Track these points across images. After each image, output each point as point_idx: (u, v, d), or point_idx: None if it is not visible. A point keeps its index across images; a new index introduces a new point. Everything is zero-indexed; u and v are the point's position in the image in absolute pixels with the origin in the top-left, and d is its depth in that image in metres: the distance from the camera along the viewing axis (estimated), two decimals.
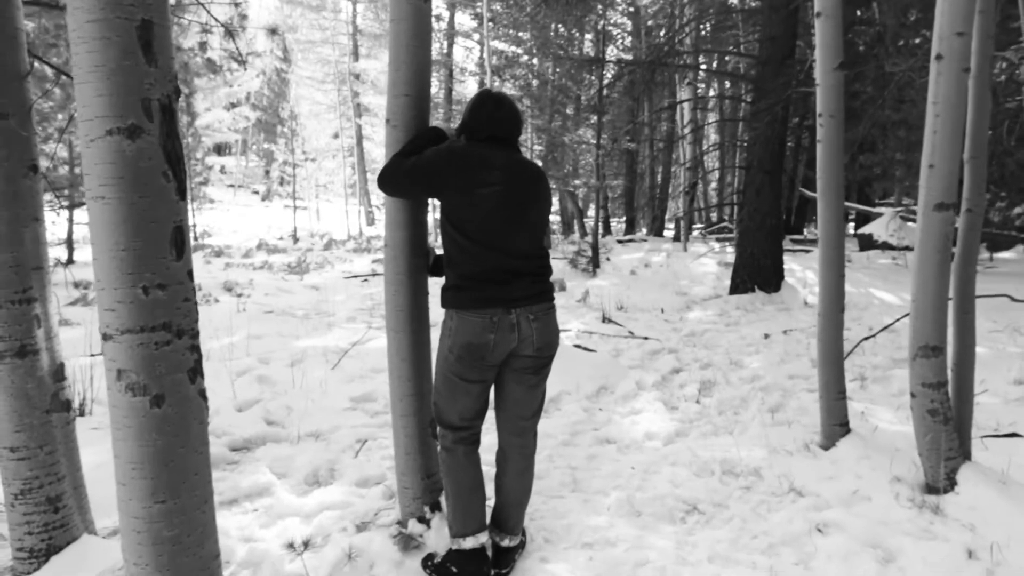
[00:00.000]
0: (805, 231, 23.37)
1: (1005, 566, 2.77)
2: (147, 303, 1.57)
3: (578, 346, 6.25)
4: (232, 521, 3.10)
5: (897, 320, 5.71)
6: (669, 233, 24.44)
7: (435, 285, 2.74)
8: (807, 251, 16.87)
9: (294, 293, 10.81)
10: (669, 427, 4.63)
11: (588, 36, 22.64)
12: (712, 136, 27.70)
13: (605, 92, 13.66)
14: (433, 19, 26.70)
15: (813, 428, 4.45)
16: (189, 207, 18.50)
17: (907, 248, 16.23)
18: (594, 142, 15.32)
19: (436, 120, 24.69)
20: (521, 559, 2.84)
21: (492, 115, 2.63)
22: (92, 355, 5.75)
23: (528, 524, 3.11)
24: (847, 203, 17.82)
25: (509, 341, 2.53)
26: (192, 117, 18.59)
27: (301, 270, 13.36)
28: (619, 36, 23.78)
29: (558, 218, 25.74)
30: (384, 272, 2.86)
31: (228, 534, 2.91)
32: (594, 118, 15.01)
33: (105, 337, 1.59)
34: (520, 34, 21.48)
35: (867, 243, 18.05)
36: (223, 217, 29.44)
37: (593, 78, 16.12)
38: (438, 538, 2.79)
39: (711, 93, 23.45)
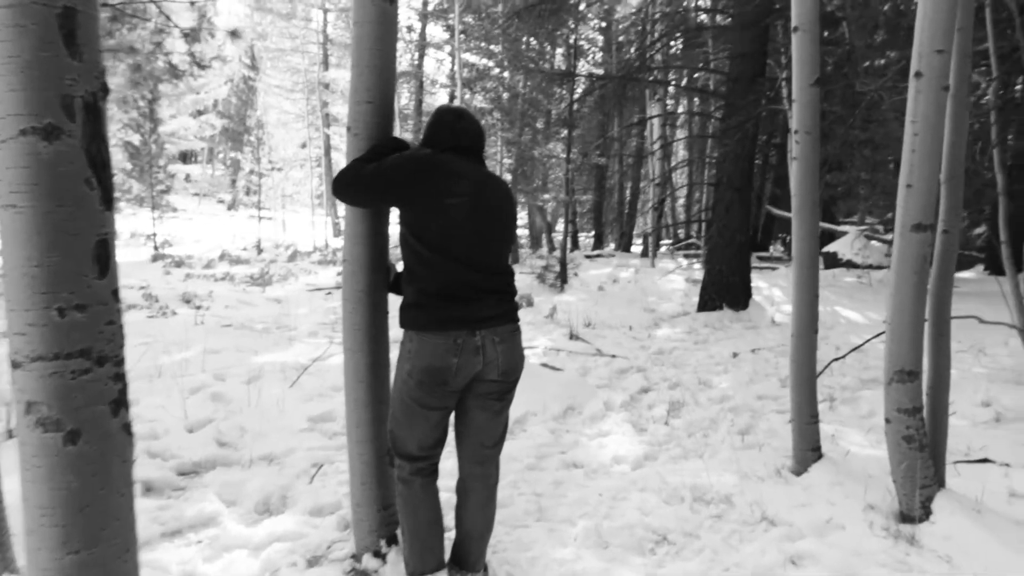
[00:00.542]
0: (771, 248, 23.55)
1: None
2: (63, 326, 1.39)
3: (545, 365, 6.11)
4: (174, 555, 2.89)
5: (867, 341, 5.65)
6: (637, 249, 24.48)
7: (395, 303, 2.58)
8: (773, 268, 16.97)
9: (255, 306, 10.53)
10: (638, 450, 4.50)
11: (559, 50, 22.67)
12: (680, 152, 27.91)
13: (576, 106, 13.60)
14: (405, 30, 26.64)
15: (784, 452, 4.35)
16: (150, 216, 18.08)
17: (871, 267, 16.41)
18: (564, 156, 15.25)
19: (406, 133, 24.58)
20: None
21: (454, 126, 2.50)
22: None
23: (490, 557, 2.94)
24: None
25: (473, 365, 2.38)
26: (155, 123, 18.20)
27: (264, 282, 13.06)
28: (590, 51, 23.85)
29: (526, 232, 25.66)
30: (342, 289, 2.69)
31: (168, 570, 2.71)
32: (564, 132, 14.95)
33: (14, 365, 1.41)
34: (491, 47, 21.43)
35: (832, 261, 18.21)
36: (186, 226, 28.90)
37: (564, 92, 16.07)
38: (394, 575, 2.62)
39: (680, 109, 23.59)
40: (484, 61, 22.37)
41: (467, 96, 19.10)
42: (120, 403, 1.48)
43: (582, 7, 15.11)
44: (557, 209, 22.54)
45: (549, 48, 21.27)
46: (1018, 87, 10.80)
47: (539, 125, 21.26)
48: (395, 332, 2.67)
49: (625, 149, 25.04)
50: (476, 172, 2.44)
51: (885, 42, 12.10)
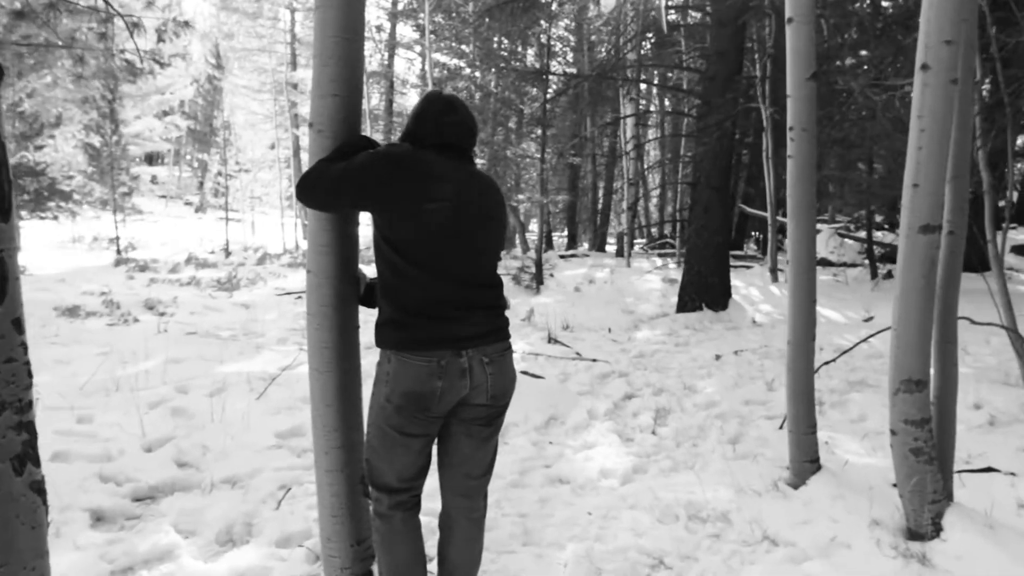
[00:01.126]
0: (745, 247, 23.55)
1: None
2: None
3: (526, 372, 5.88)
4: None
5: (856, 345, 5.49)
6: (611, 248, 24.34)
7: (368, 317, 2.32)
8: (748, 267, 16.89)
9: (222, 311, 10.17)
10: (626, 463, 4.28)
11: (531, 50, 22.46)
12: (652, 152, 27.83)
13: (549, 106, 13.38)
14: (374, 30, 26.26)
15: (778, 462, 4.16)
16: (112, 219, 17.55)
17: (846, 264, 16.42)
18: (538, 156, 15.04)
19: (376, 134, 24.19)
20: None
21: (441, 120, 2.23)
22: None
23: None
24: (781, 219, 17.97)
25: (459, 389, 2.13)
26: (116, 124, 17.66)
27: (231, 286, 12.68)
28: (563, 51, 23.67)
29: None
30: (307, 303, 2.43)
31: None
32: (538, 131, 14.72)
33: None
34: (463, 47, 21.15)
35: None
36: (152, 229, 28.24)
37: (537, 91, 15.85)
38: None
39: (652, 108, 23.50)
40: (455, 61, 22.09)
41: None
42: (26, 458, 1.22)
43: (554, 7, 14.89)
44: (531, 209, 22.33)
45: (521, 48, 21.05)
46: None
47: (512, 125, 21.03)
48: (369, 348, 2.42)
49: (598, 149, 24.91)
50: (461, 172, 2.19)
51: (857, 41, 12.04)
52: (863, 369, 6.70)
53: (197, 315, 9.69)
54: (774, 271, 14.04)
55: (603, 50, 20.85)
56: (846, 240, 18.19)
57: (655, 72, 18.25)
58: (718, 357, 7.44)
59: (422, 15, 20.19)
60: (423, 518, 2.45)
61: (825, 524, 3.28)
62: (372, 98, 25.80)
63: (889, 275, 14.28)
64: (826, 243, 17.32)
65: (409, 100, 27.78)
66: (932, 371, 3.25)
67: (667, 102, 24.00)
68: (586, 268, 16.86)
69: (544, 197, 14.72)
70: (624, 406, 5.62)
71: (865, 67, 9.77)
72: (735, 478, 3.89)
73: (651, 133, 23.95)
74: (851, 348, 5.42)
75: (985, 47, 5.73)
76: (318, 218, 2.36)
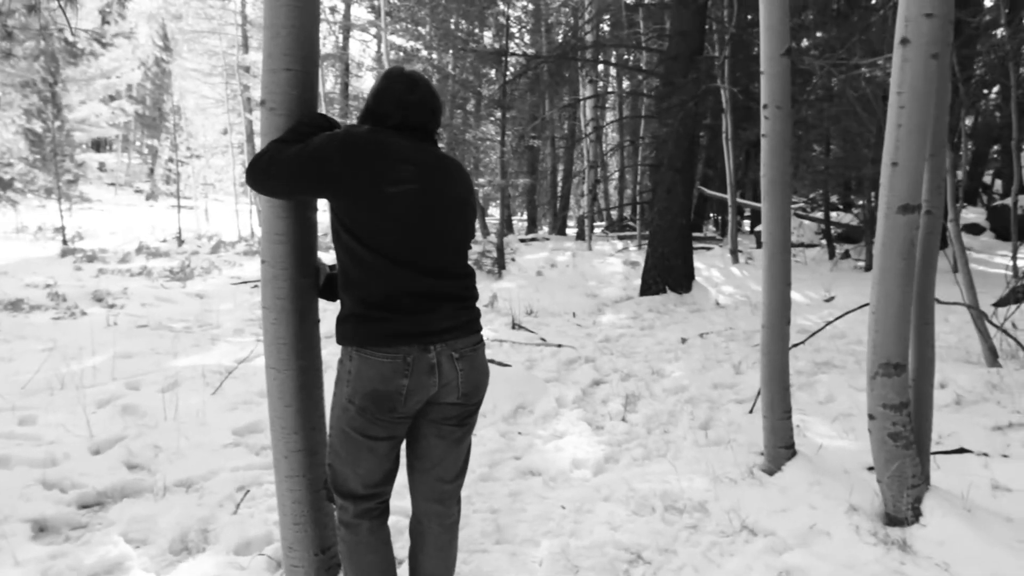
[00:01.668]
0: (704, 229, 23.68)
1: None
2: None
3: (491, 360, 5.73)
4: None
5: (826, 326, 5.48)
6: (571, 232, 24.28)
7: (329, 313, 2.15)
8: (708, 248, 16.99)
9: (175, 302, 9.82)
10: (597, 452, 4.17)
11: (488, 32, 22.18)
12: (611, 135, 27.79)
13: (508, 88, 13.19)
14: (328, 11, 25.74)
15: (752, 447, 4.10)
16: (58, 208, 16.91)
17: (804, 245, 16.59)
18: (498, 139, 14.83)
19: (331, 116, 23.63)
20: None
21: (403, 99, 2.06)
22: None
23: None
24: (741, 200, 18.09)
25: (427, 387, 1.98)
26: (59, 108, 16.96)
27: (184, 276, 12.28)
28: (520, 33, 23.44)
29: None
30: (261, 295, 2.25)
31: None
32: (497, 114, 14.52)
33: None
34: (419, 28, 20.81)
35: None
36: (101, 218, 27.38)
37: (496, 73, 15.63)
38: None
39: (611, 90, 23.41)
40: (412, 43, 21.74)
41: None
42: None
43: None
44: (491, 193, 22.14)
45: (478, 30, 20.78)
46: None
47: (471, 108, 20.77)
48: (331, 338, 2.25)
49: (557, 132, 24.78)
50: (425, 154, 2.03)
51: (814, 22, 12.09)
52: (828, 350, 6.70)
53: (149, 306, 9.34)
54: (735, 252, 14.12)
55: (561, 32, 20.67)
56: (804, 221, 18.39)
57: (614, 53, 18.14)
58: (684, 340, 7.39)
59: None
60: (393, 517, 2.31)
61: (803, 511, 3.21)
62: (327, 81, 25.30)
63: (847, 255, 14.46)
64: None
65: (365, 83, 27.33)
66: (909, 353, 3.19)
67: (625, 84, 23.96)
68: (547, 252, 16.76)
69: (504, 180, 14.55)
70: (592, 393, 5.52)
71: (819, 49, 9.79)
72: (710, 466, 3.82)
73: (609, 116, 23.88)
74: (820, 329, 5.39)
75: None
76: (272, 204, 2.18)
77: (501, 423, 4.69)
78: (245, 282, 11.97)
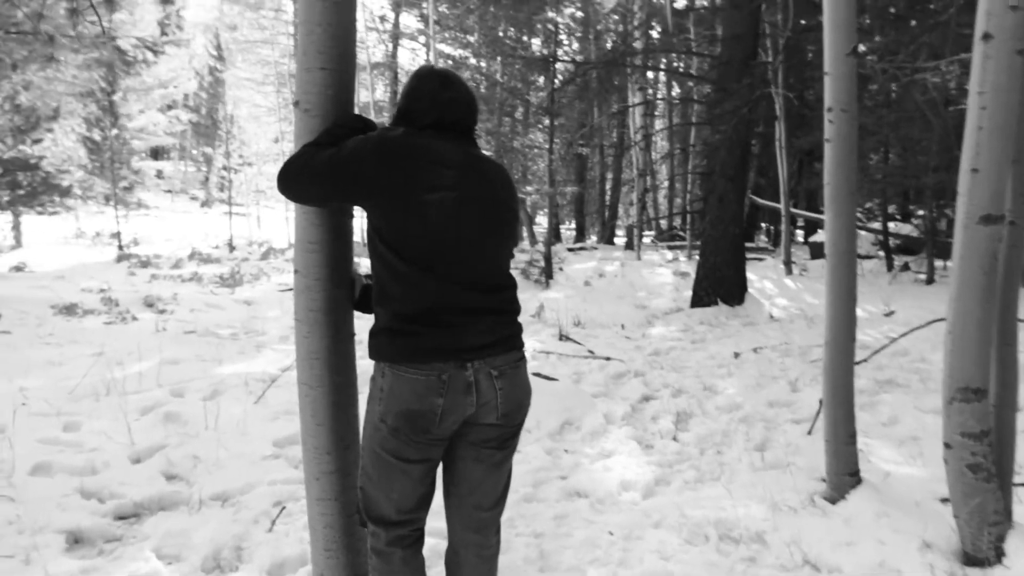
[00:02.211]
0: (756, 239, 23.19)
1: None
2: None
3: (538, 374, 5.58)
4: None
5: (893, 341, 5.20)
6: (619, 241, 24.01)
7: (363, 323, 2.02)
8: (760, 259, 16.59)
9: (223, 309, 9.90)
10: (647, 473, 3.98)
11: (536, 40, 22.11)
12: (660, 143, 27.44)
13: (557, 96, 13.05)
14: (378, 20, 25.92)
15: (812, 472, 3.86)
16: (114, 214, 17.31)
17: (860, 256, 16.07)
18: (546, 147, 14.70)
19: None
20: None
21: (436, 96, 1.93)
22: None
23: None
24: (794, 210, 17.64)
25: (464, 407, 1.84)
26: (116, 117, 17.37)
27: (233, 282, 12.41)
28: (569, 40, 23.29)
29: None
30: (294, 307, 2.14)
31: None
32: (545, 121, 14.39)
33: None
34: (468, 36, 20.82)
35: (819, 251, 17.88)
36: (157, 224, 28.02)
37: (544, 80, 15.51)
38: None
39: (660, 97, 23.12)
40: (460, 51, 21.76)
41: None
42: None
43: None
44: (539, 201, 22.02)
45: (526, 37, 20.71)
46: None
47: (519, 115, 20.69)
48: (365, 362, 2.13)
49: (606, 140, 24.56)
50: (464, 156, 1.89)
51: (871, 27, 11.69)
52: (890, 367, 6.37)
53: (198, 312, 9.43)
54: (788, 263, 13.74)
55: (610, 39, 20.47)
56: (860, 232, 17.84)
57: (663, 59, 17.87)
58: (737, 355, 7.13)
59: (426, 4, 19.84)
60: (430, 540, 2.17)
61: (871, 546, 2.97)
62: (377, 89, 25.49)
63: (906, 267, 13.94)
64: None
65: None
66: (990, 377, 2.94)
67: (675, 90, 23.64)
68: (595, 261, 16.55)
69: (552, 188, 14.39)
70: (642, 409, 5.32)
71: (878, 53, 9.43)
72: (767, 491, 3.59)
73: (659, 123, 23.59)
74: (886, 346, 5.11)
75: None
76: (306, 211, 2.06)
77: (547, 439, 4.53)
78: (292, 289, 12.03)
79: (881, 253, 15.30)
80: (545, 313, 9.41)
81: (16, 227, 15.86)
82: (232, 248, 19.67)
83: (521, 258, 14.82)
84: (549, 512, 3.47)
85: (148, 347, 6.74)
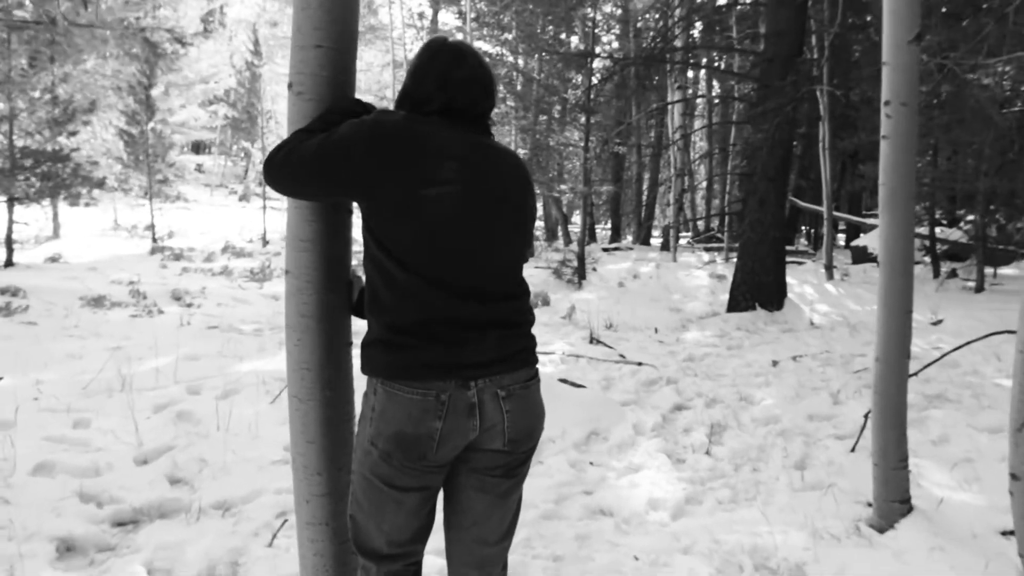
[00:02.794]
0: (795, 243, 22.65)
1: None
2: None
3: (564, 380, 5.34)
4: None
5: (946, 354, 4.87)
6: (655, 242, 23.63)
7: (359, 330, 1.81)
8: (800, 263, 16.14)
9: (250, 303, 9.81)
10: (677, 491, 3.72)
11: (575, 37, 21.81)
12: (699, 143, 26.96)
13: (594, 93, 12.76)
14: (416, 16, 25.87)
15: (856, 495, 3.57)
16: (148, 206, 17.41)
17: None
18: (582, 145, 14.43)
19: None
20: None
21: (447, 75, 1.68)
22: None
23: None
24: (837, 214, 17.12)
25: (465, 431, 1.61)
26: (152, 111, 17.46)
27: (263, 277, 12.34)
28: (607, 39, 22.96)
29: (542, 223, 24.79)
30: (285, 312, 1.93)
31: None
32: (582, 119, 14.12)
33: None
34: (506, 34, 20.64)
35: (861, 256, 17.41)
36: (194, 217, 28.26)
37: (581, 78, 15.24)
38: None
39: (700, 96, 22.67)
40: (498, 49, 21.58)
41: None
42: None
43: None
44: (573, 201, 21.73)
45: (564, 35, 20.47)
46: None
47: (555, 113, 20.45)
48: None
49: (643, 139, 24.17)
50: (473, 145, 1.66)
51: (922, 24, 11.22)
52: (939, 380, 6.01)
53: (224, 307, 9.36)
54: (829, 268, 13.32)
55: (649, 37, 20.14)
56: None
57: (704, 57, 17.47)
58: (775, 363, 6.81)
59: (464, 1, 19.69)
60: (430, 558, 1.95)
61: None
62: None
63: (953, 274, 13.42)
64: None
65: None
66: None
67: (715, 89, 23.16)
68: (630, 262, 16.23)
69: (587, 188, 14.12)
70: (673, 419, 5.05)
71: (928, 53, 9.02)
72: (808, 516, 3.32)
73: (698, 123, 23.15)
74: (938, 360, 4.78)
75: None
76: (298, 205, 1.85)
77: (572, 450, 4.28)
78: None
79: (927, 259, 14.75)
80: (576, 315, 9.16)
81: (55, 218, 16.00)
82: (266, 242, 19.70)
83: (554, 257, 14.58)
84: (570, 532, 3.23)
85: (170, 342, 6.64)
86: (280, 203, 32.52)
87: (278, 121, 29.14)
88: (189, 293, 9.85)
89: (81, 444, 3.99)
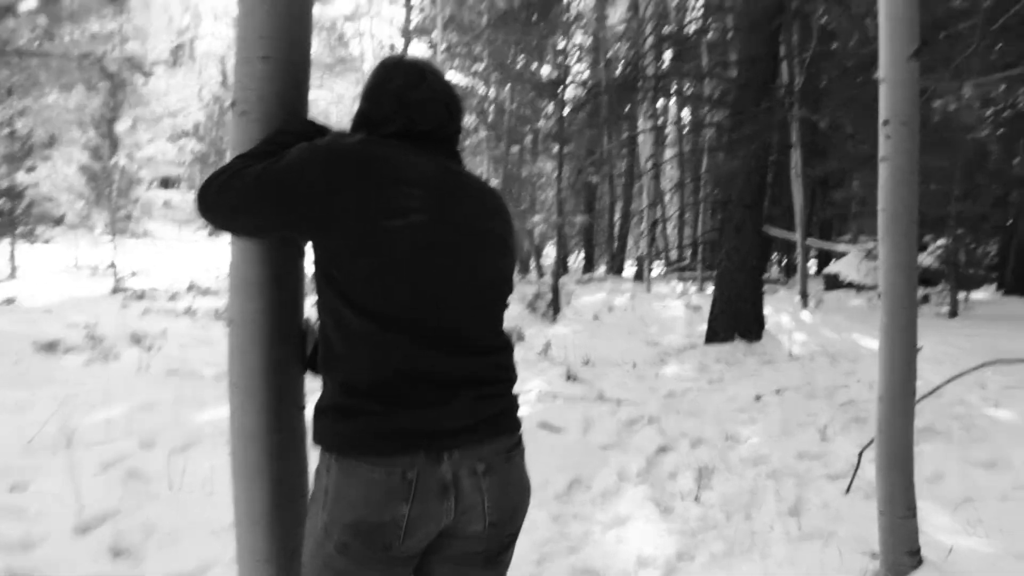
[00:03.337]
0: (768, 270, 22.71)
1: None
2: None
3: (544, 425, 5.07)
4: None
5: (938, 387, 4.70)
6: (629, 272, 23.56)
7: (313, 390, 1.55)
8: (774, 291, 16.12)
9: (213, 344, 9.40)
10: (667, 545, 3.46)
11: (546, 67, 21.89)
12: (668, 171, 27.11)
13: (567, 122, 12.68)
14: (388, 48, 25.87)
15: (857, 544, 3.34)
16: (110, 244, 16.92)
17: (865, 287, 15.59)
18: (555, 175, 14.32)
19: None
20: None
21: (405, 95, 1.47)
22: None
23: None
24: (811, 240, 17.19)
25: (438, 515, 1.35)
26: (116, 145, 17.01)
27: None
28: (577, 68, 23.06)
29: None
30: (228, 368, 1.66)
31: None
32: (555, 148, 14.04)
33: None
34: (477, 65, 20.63)
35: (833, 283, 17.48)
36: (161, 254, 27.69)
37: (553, 106, 15.21)
38: None
39: (671, 125, 22.80)
40: (469, 80, 21.57)
41: None
42: None
43: (573, 11, 14.30)
44: (546, 231, 21.62)
45: (536, 64, 20.52)
46: None
47: (527, 143, 20.41)
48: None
49: (615, 169, 24.22)
50: (439, 170, 1.43)
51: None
52: (926, 412, 5.81)
53: (187, 348, 8.95)
54: (804, 295, 13.28)
55: (620, 67, 20.24)
56: (870, 262, 17.35)
57: (675, 84, 17.57)
58: (758, 397, 6.60)
59: (434, 32, 19.66)
60: None
61: None
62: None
63: (926, 299, 13.43)
64: (857, 266, 16.48)
65: None
66: None
67: (683, 118, 23.31)
68: (604, 293, 16.07)
69: (560, 218, 13.97)
70: (658, 463, 4.79)
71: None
72: (809, 570, 3.07)
73: (669, 152, 23.26)
74: (931, 392, 4.60)
75: None
76: (243, 243, 1.59)
77: (553, 503, 4.00)
78: None
79: None
80: (552, 351, 8.90)
81: (11, 258, 15.46)
82: None
83: (527, 291, 14.36)
84: None
85: (126, 389, 6.26)
86: None
87: None
88: (149, 335, 9.42)
89: (16, 511, 3.61)
